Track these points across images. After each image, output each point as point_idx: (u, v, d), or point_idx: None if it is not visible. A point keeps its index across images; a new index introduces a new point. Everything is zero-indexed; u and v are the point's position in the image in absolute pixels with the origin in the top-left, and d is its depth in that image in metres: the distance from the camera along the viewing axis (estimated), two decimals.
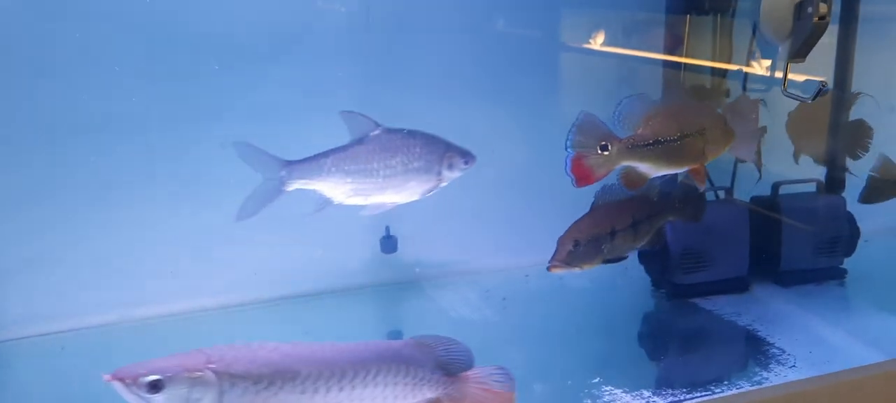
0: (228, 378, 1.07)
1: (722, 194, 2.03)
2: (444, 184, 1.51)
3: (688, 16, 2.04)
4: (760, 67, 2.01)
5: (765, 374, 1.56)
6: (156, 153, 1.77)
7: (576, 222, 1.54)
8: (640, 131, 1.43)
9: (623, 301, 1.99)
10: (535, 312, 1.93)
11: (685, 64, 2.06)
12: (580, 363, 1.67)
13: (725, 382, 1.53)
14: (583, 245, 1.50)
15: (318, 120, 1.85)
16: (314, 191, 1.49)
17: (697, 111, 1.55)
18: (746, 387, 1.49)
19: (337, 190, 1.47)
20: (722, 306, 1.89)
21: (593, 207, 1.59)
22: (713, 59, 2.03)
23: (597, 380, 1.55)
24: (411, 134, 1.47)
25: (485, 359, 1.66)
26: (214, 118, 1.79)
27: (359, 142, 1.46)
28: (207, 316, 1.85)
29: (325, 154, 1.47)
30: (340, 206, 1.91)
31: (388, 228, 1.95)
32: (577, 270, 1.52)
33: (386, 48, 1.91)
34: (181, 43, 1.73)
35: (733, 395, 1.44)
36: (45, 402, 1.56)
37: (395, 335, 1.87)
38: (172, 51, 1.72)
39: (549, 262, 1.51)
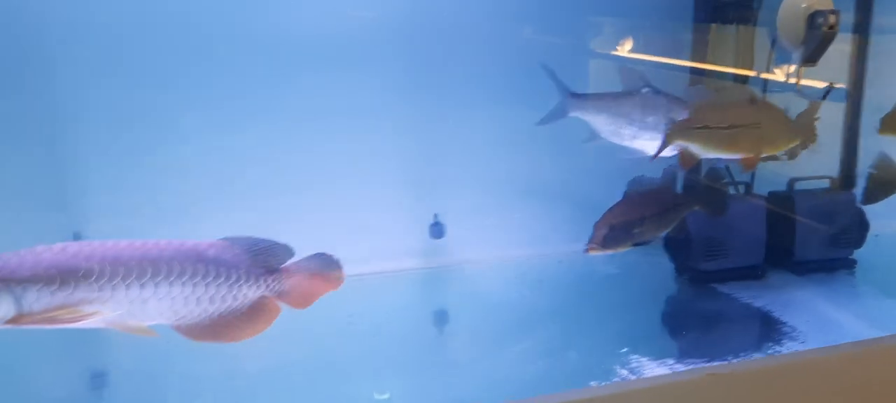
0: (17, 283, 1.09)
1: (741, 189, 2.20)
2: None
3: (712, 25, 2.22)
4: (780, 73, 2.17)
5: (777, 348, 1.74)
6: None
7: (610, 209, 1.73)
8: (692, 116, 1.62)
9: (648, 285, 2.16)
10: (568, 294, 2.11)
11: (709, 70, 2.23)
12: (611, 336, 1.84)
13: (741, 354, 1.71)
14: (616, 229, 1.68)
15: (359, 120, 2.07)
16: None
17: (756, 108, 1.73)
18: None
19: (603, 126, 1.75)
20: (739, 291, 2.06)
21: (625, 196, 1.78)
22: (735, 66, 2.20)
23: (625, 350, 1.73)
24: (674, 100, 1.71)
25: (525, 333, 1.86)
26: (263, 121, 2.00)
27: (628, 93, 1.74)
28: None
29: (600, 95, 1.79)
30: (394, 191, 2.13)
31: (436, 215, 2.15)
32: (610, 252, 1.71)
33: (427, 54, 2.09)
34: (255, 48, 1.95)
35: (747, 362, 1.61)
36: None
37: (441, 315, 2.07)
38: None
39: (587, 244, 1.69)
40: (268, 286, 1.23)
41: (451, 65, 2.12)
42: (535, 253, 2.27)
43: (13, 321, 1.10)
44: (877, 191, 1.89)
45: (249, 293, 1.22)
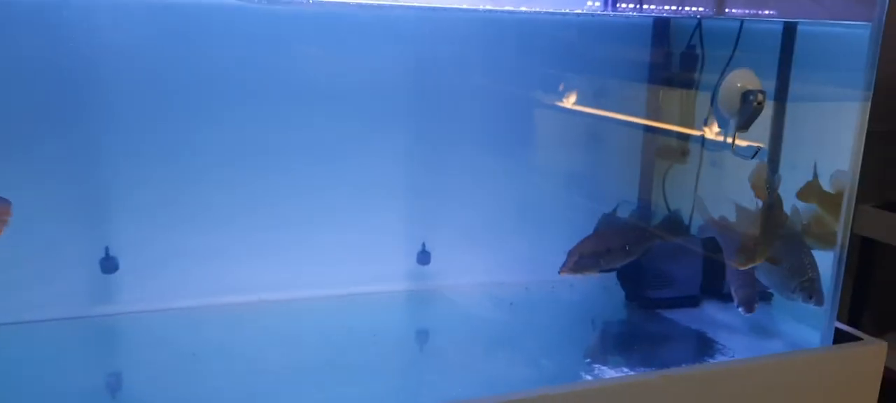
0: None
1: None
2: None
3: (660, 89, 2.62)
4: (708, 132, 2.57)
5: (711, 360, 2.11)
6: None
7: (582, 240, 2.08)
8: None
9: (604, 309, 2.51)
10: (536, 315, 2.43)
11: (656, 127, 2.63)
12: (574, 349, 2.19)
13: (683, 364, 2.06)
14: (586, 257, 2.04)
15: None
16: None
17: None
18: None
19: None
20: (680, 316, 2.43)
21: (596, 230, 2.14)
22: (680, 125, 2.60)
23: (588, 361, 2.07)
24: None
25: (504, 346, 2.18)
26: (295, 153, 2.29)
27: None
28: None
29: None
30: (389, 222, 2.42)
31: (424, 244, 2.45)
32: (579, 275, 2.06)
33: (421, 99, 2.40)
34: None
35: (694, 366, 1.96)
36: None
37: (424, 330, 2.37)
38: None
39: (560, 268, 2.04)
40: None
41: (441, 111, 2.43)
42: (506, 281, 2.59)
43: None
44: None
45: None
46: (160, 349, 2.04)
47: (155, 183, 2.11)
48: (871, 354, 2.08)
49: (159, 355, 2.01)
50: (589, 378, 1.94)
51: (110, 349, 2.07)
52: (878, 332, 2.17)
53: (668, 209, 2.45)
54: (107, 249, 2.07)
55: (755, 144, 2.17)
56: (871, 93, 2.03)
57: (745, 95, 1.91)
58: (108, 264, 2.06)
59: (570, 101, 2.58)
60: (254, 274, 2.27)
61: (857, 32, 2.16)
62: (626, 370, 2.01)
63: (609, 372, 1.98)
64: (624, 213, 2.34)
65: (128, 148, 2.08)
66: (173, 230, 2.14)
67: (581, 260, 2.04)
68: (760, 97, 1.88)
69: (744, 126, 1.94)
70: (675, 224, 2.25)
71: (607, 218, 2.13)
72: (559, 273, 2.05)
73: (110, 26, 2.00)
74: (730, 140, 2.03)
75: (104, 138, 2.06)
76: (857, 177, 2.09)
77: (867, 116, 2.04)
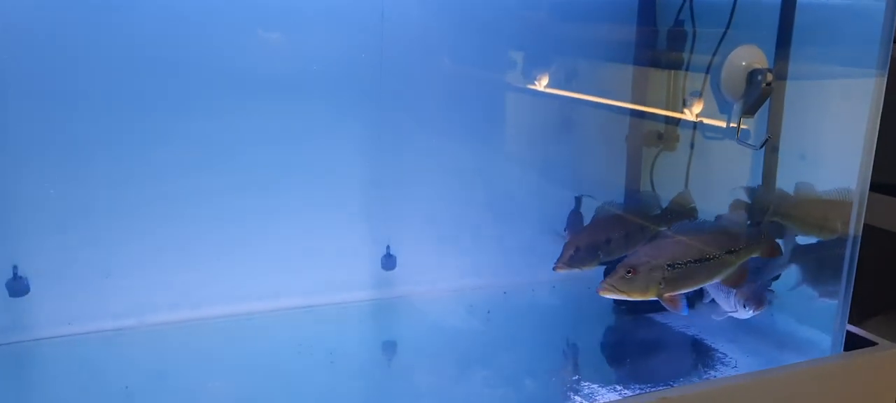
0: None
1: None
2: None
3: (647, 70, 2.38)
4: (690, 114, 2.34)
5: (713, 373, 1.88)
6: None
7: (578, 231, 1.84)
8: None
9: (591, 315, 2.28)
10: (515, 323, 2.20)
11: (643, 112, 2.40)
12: (560, 365, 1.95)
13: (681, 379, 1.84)
14: (584, 250, 1.79)
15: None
16: None
17: None
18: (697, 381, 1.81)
19: None
20: (673, 319, 2.20)
21: (593, 220, 1.89)
22: (667, 109, 2.37)
23: (577, 379, 1.83)
24: None
25: (481, 362, 1.93)
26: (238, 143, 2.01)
27: None
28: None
29: None
30: (349, 224, 2.15)
31: (388, 247, 2.19)
32: (577, 270, 1.81)
33: (381, 92, 2.14)
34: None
35: (696, 385, 1.74)
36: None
37: (390, 346, 2.11)
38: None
39: (555, 263, 1.79)
40: None
41: (405, 99, 2.18)
42: (481, 285, 2.35)
43: None
44: None
45: None
46: (84, 381, 1.76)
47: (70, 190, 1.82)
48: (887, 360, 1.88)
49: (83, 389, 1.72)
50: (579, 399, 1.71)
51: (22, 383, 1.78)
52: (861, 319, 1.99)
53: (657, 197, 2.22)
54: (14, 268, 1.77)
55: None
56: (886, 71, 1.82)
57: (752, 75, 1.67)
58: (17, 286, 1.77)
59: (548, 86, 2.33)
60: (192, 288, 1.99)
61: (863, 4, 1.94)
62: (619, 388, 1.78)
63: (602, 393, 1.74)
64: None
65: (37, 151, 1.78)
66: (94, 242, 1.86)
67: (578, 253, 1.79)
68: (769, 77, 1.65)
69: (751, 110, 1.71)
70: (680, 207, 2.00)
71: (606, 205, 1.88)
72: (553, 269, 1.80)
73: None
74: (734, 126, 1.80)
75: (10, 140, 1.76)
76: (871, 163, 1.88)
77: (882, 96, 1.82)
